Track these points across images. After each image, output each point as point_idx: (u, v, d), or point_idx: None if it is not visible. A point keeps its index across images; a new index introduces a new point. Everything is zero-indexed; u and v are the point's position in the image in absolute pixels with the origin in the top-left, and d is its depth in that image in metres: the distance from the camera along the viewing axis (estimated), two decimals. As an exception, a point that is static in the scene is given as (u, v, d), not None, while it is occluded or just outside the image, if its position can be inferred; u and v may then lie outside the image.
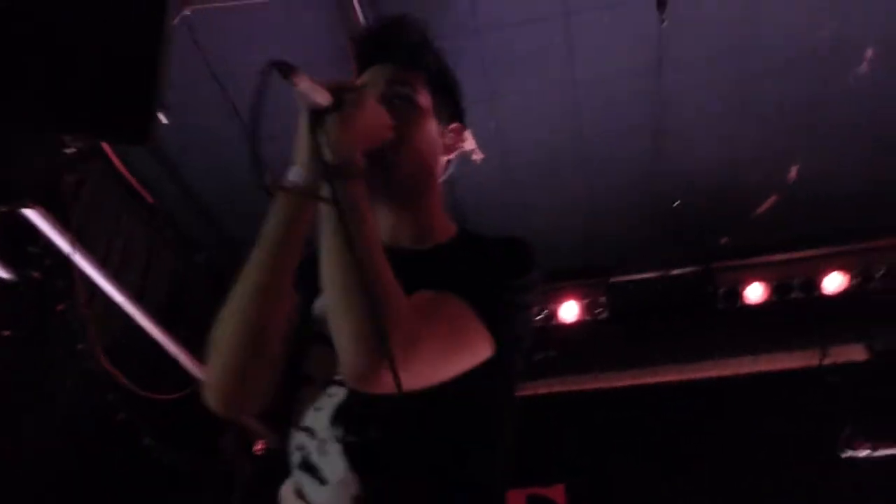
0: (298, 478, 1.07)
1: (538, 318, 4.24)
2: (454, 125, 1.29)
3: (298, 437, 1.09)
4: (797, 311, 4.09)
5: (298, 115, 1.04)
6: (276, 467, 1.13)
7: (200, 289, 3.50)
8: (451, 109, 1.29)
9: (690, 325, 4.19)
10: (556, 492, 4.14)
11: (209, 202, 3.47)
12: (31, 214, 2.50)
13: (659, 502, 3.87)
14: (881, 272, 3.98)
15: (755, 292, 4.09)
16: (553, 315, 4.25)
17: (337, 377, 1.04)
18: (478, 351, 1.04)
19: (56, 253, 2.66)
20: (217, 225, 3.55)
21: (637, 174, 3.61)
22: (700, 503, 3.83)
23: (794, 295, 4.08)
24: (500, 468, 1.13)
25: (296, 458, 1.08)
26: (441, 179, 1.28)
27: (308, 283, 1.06)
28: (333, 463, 1.03)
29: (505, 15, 2.85)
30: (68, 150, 2.30)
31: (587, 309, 4.25)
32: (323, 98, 1.00)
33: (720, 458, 3.91)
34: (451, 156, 1.29)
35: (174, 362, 3.33)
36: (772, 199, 3.73)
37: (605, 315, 4.25)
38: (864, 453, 3.39)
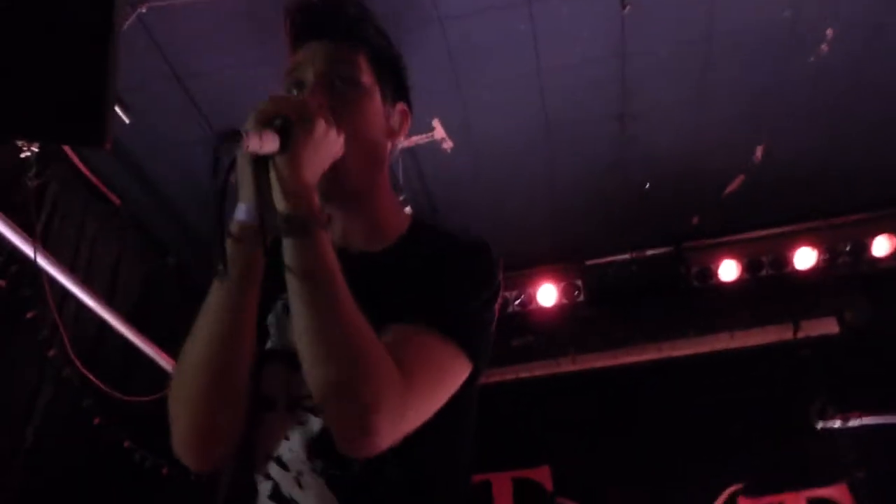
0: None
1: (516, 303, 4.28)
2: (400, 106, 1.20)
3: (266, 466, 1.03)
4: (769, 288, 4.16)
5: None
6: (240, 495, 1.07)
7: (171, 290, 3.48)
8: (396, 88, 1.19)
9: (666, 305, 4.25)
10: (542, 473, 4.18)
11: (175, 203, 3.44)
12: (-6, 222, 2.46)
13: (642, 479, 3.92)
14: (849, 247, 4.05)
15: (728, 270, 4.14)
16: (531, 299, 4.28)
17: (305, 402, 1.00)
18: (460, 377, 1.03)
19: (22, 260, 2.62)
20: (184, 226, 3.52)
21: (605, 159, 3.62)
22: (681, 478, 3.90)
23: (766, 272, 4.14)
24: (468, 461, 1.13)
25: (264, 487, 1.03)
26: (388, 165, 1.20)
27: (264, 288, 1.01)
28: (315, 497, 1.00)
29: (468, 3, 2.84)
30: (25, 155, 2.26)
31: (564, 292, 4.28)
32: (271, 145, 0.92)
33: (700, 433, 3.98)
34: (397, 140, 1.20)
35: (149, 364, 3.31)
36: (739, 179, 3.78)
37: (581, 298, 4.29)
38: (836, 424, 3.46)
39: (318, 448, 1.00)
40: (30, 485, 2.74)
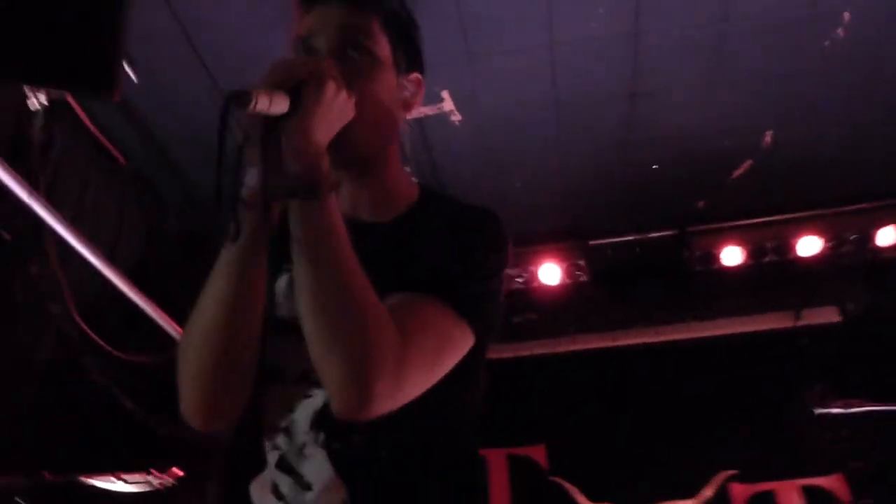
0: (275, 477, 1.04)
1: (519, 280, 4.28)
2: (414, 75, 1.17)
3: (275, 436, 1.05)
4: (772, 274, 4.16)
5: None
6: (247, 460, 1.09)
7: (174, 250, 3.47)
8: (410, 57, 1.16)
9: (668, 288, 4.25)
10: (538, 452, 4.21)
11: (181, 162, 3.43)
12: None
13: (637, 461, 3.94)
14: (853, 236, 4.03)
15: (731, 255, 4.14)
16: (534, 277, 4.28)
17: (313, 376, 0.98)
18: (463, 347, 1.02)
19: (25, 213, 2.62)
20: (189, 185, 3.51)
21: (614, 138, 3.59)
22: (678, 461, 3.92)
23: (769, 258, 4.13)
24: (474, 435, 1.12)
25: (272, 456, 1.05)
26: (398, 136, 1.19)
27: (271, 259, 1.01)
28: (317, 468, 1.01)
29: (482, -27, 2.80)
30: (34, 109, 2.24)
31: (568, 272, 4.28)
32: (281, 106, 0.89)
33: (697, 417, 4.00)
34: (410, 111, 1.17)
35: (150, 324, 3.32)
36: (747, 164, 3.76)
37: (584, 278, 4.29)
38: (836, 410, 3.47)
39: (321, 420, 1.01)
40: (27, 441, 2.75)
